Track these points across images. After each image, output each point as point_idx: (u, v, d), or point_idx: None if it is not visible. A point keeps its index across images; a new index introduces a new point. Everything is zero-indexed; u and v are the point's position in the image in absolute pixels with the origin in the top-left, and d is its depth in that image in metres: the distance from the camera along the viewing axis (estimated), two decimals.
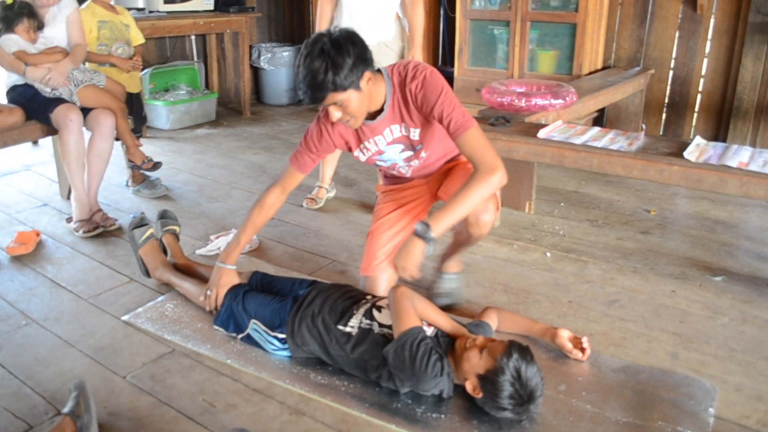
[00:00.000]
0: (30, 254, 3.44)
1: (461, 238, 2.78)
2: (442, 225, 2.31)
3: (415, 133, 2.58)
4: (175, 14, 5.91)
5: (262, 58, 6.98)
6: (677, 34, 5.26)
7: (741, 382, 2.38)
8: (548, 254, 3.44)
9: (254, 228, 2.76)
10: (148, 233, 3.11)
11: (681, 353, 2.55)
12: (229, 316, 2.63)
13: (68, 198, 4.07)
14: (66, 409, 2.08)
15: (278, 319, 2.51)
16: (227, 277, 2.73)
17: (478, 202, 2.37)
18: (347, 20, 3.74)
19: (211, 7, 6.32)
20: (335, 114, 2.41)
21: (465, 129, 2.39)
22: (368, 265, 2.84)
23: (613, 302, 2.95)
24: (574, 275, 3.21)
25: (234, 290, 2.70)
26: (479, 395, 2.15)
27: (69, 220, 3.79)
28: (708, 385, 2.32)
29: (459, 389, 2.25)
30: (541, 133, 3.36)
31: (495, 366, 2.09)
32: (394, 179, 2.99)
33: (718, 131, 5.18)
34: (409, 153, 2.67)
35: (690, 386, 2.32)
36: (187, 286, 2.91)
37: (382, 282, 2.80)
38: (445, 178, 2.82)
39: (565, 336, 2.53)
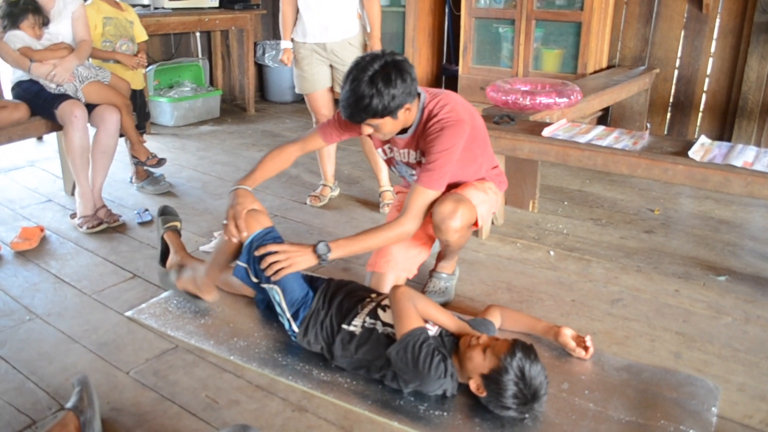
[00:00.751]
0: (34, 250, 3.44)
1: (442, 245, 2.83)
2: (340, 252, 2.48)
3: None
4: (179, 11, 5.92)
5: (266, 55, 6.97)
6: (682, 34, 5.25)
7: (744, 381, 2.38)
8: (552, 253, 3.43)
9: (264, 171, 2.74)
10: (172, 223, 3.12)
11: (684, 352, 2.55)
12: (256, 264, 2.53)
13: (72, 194, 4.10)
14: (69, 404, 2.08)
15: (298, 309, 2.50)
16: (244, 197, 2.59)
17: (378, 244, 2.61)
18: (309, 19, 3.78)
19: (216, 4, 6.33)
20: (367, 130, 2.56)
21: (426, 185, 2.57)
22: (376, 261, 2.85)
23: (617, 301, 2.95)
24: (578, 274, 3.21)
25: (269, 236, 2.57)
26: (483, 394, 2.15)
27: (73, 215, 3.80)
28: (711, 385, 2.32)
29: (463, 387, 2.25)
30: (546, 132, 3.35)
31: (499, 365, 2.09)
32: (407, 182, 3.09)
33: (723, 131, 5.17)
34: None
35: (693, 385, 2.32)
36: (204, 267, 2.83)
37: (390, 279, 2.81)
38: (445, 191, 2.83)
39: (568, 334, 2.53)
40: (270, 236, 2.55)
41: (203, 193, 4.37)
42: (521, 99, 3.85)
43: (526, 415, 2.15)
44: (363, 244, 2.55)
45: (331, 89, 3.99)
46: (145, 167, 4.29)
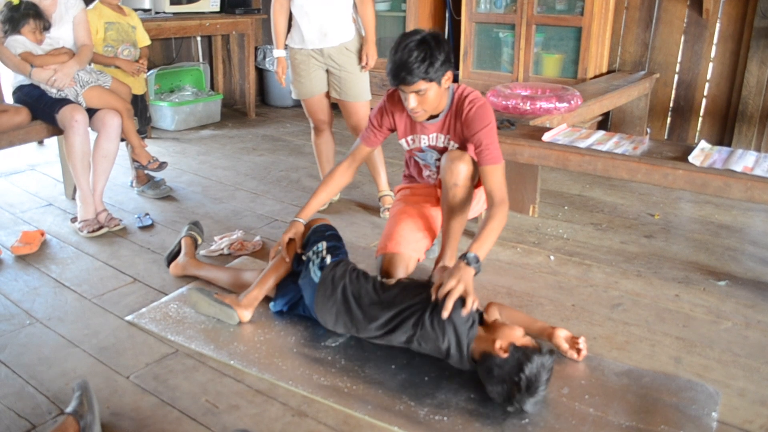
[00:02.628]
0: (34, 254, 3.45)
1: (445, 206, 2.96)
2: (482, 254, 2.56)
3: (453, 147, 2.94)
4: (180, 15, 5.93)
5: (267, 59, 6.96)
6: (682, 39, 5.26)
7: (744, 386, 2.38)
8: (552, 257, 3.43)
9: (319, 199, 3.02)
10: (195, 234, 3.34)
11: (684, 357, 2.54)
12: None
13: (73, 198, 4.11)
14: (69, 409, 2.08)
15: (337, 254, 2.74)
16: (291, 228, 2.88)
17: (500, 230, 2.69)
18: (306, 25, 3.78)
19: (217, 9, 6.33)
20: (412, 101, 2.72)
21: (494, 163, 2.75)
22: (386, 244, 3.02)
23: (617, 306, 2.95)
24: (578, 278, 3.21)
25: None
26: (504, 355, 2.21)
27: (74, 219, 3.81)
28: (711, 390, 2.32)
29: (463, 393, 2.25)
30: (546, 137, 3.36)
31: (535, 346, 2.25)
32: (410, 179, 3.32)
33: (723, 135, 5.17)
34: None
35: (693, 390, 2.32)
36: (213, 272, 3.12)
37: (404, 256, 2.98)
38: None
39: (561, 336, 2.55)
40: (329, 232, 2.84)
41: (203, 197, 4.38)
42: (521, 104, 3.86)
43: (513, 407, 2.18)
44: (491, 238, 2.63)
45: (328, 95, 4.00)
46: (146, 171, 4.30)
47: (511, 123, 3.60)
